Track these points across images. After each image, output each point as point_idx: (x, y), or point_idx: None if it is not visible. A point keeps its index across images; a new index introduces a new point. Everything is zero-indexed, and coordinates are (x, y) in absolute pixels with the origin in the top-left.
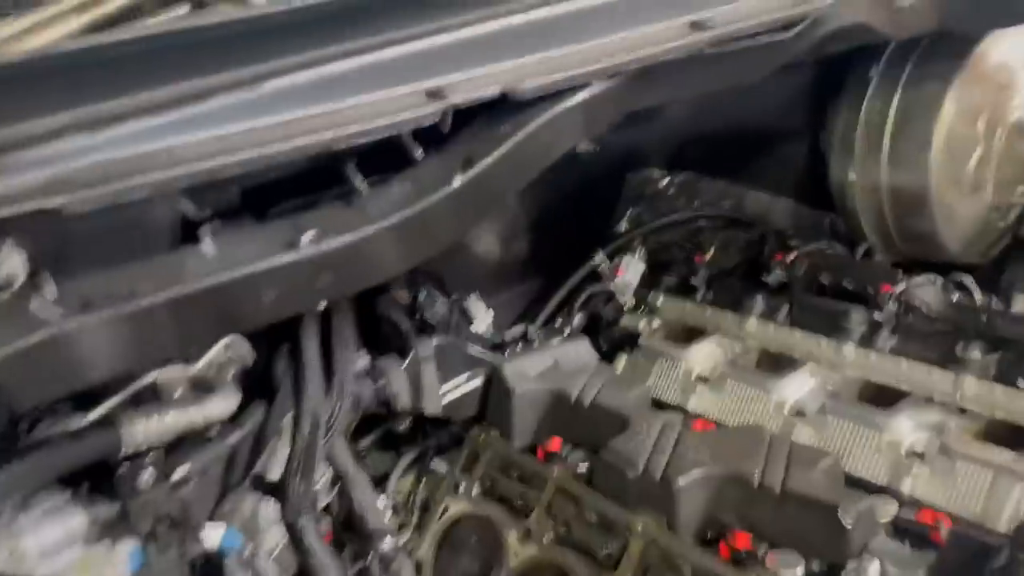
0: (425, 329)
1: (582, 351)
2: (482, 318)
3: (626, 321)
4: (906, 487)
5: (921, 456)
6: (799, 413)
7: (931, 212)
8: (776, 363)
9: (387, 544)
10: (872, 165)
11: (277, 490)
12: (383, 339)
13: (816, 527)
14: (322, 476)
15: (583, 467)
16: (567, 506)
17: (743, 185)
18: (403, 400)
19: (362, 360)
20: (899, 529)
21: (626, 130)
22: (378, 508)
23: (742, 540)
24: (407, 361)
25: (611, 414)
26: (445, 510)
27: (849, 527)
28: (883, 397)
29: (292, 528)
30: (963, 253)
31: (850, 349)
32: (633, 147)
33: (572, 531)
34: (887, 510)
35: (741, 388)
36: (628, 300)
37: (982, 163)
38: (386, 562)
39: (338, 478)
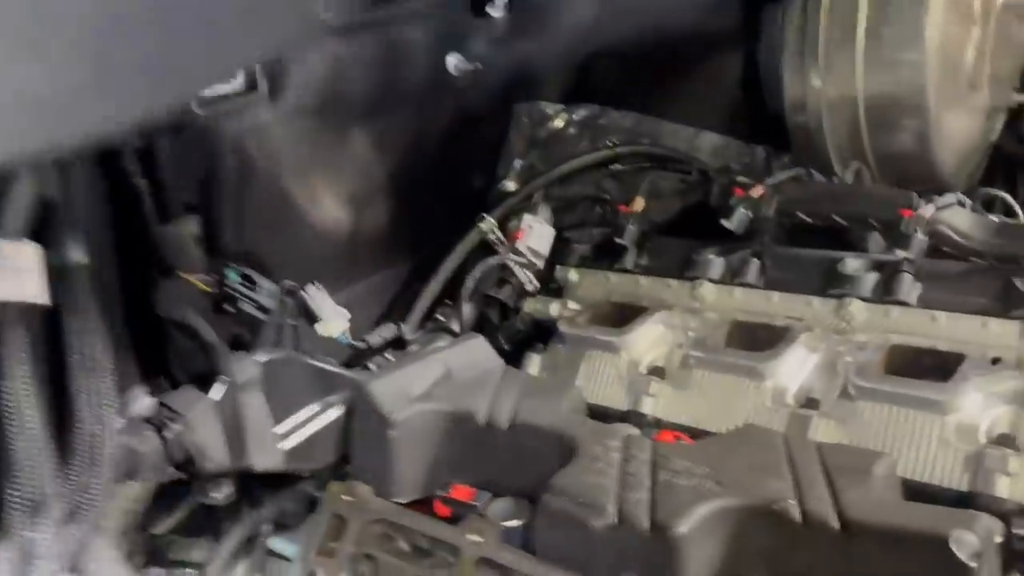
0: (243, 338)
1: (479, 353)
2: (331, 317)
3: (532, 306)
4: (1002, 489)
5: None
6: (809, 402)
7: (925, 122)
8: (754, 338)
9: None
10: (841, 71)
11: None
12: (172, 357)
13: (913, 571)
14: None
15: (512, 523)
16: None
17: (658, 118)
18: (215, 455)
19: (137, 398)
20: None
21: (511, 48)
22: None
23: None
24: (218, 391)
25: (544, 436)
26: None
27: (973, 565)
28: (918, 366)
29: None
30: (954, 175)
31: (860, 308)
32: (520, 72)
33: None
34: (996, 526)
35: (716, 377)
36: (530, 281)
37: (979, 56)
38: None
39: None
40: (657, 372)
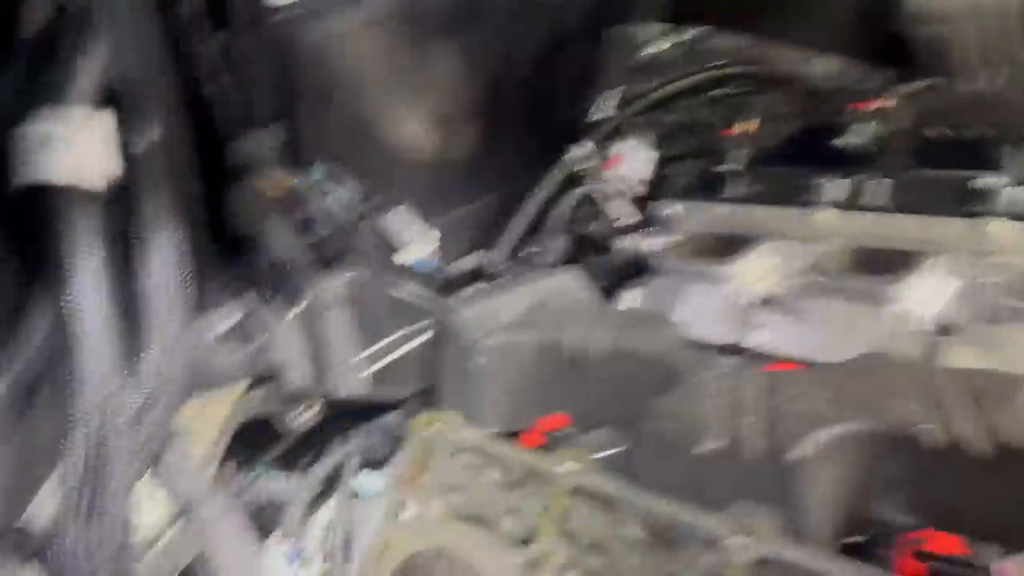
0: (325, 257)
1: (572, 285)
2: (418, 239)
3: (627, 242)
4: None
5: None
6: (945, 329)
7: None
8: (879, 264)
9: None
10: None
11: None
12: (251, 274)
13: None
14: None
15: (608, 453)
16: (592, 519)
17: (767, 40)
18: (296, 373)
19: (219, 309)
20: None
21: None
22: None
23: (941, 543)
24: (299, 308)
25: (643, 365)
26: (386, 549)
27: None
28: None
29: None
30: None
31: (1002, 228)
32: None
33: (612, 558)
34: None
35: (838, 306)
36: (624, 216)
37: None
38: None
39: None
40: (768, 303)
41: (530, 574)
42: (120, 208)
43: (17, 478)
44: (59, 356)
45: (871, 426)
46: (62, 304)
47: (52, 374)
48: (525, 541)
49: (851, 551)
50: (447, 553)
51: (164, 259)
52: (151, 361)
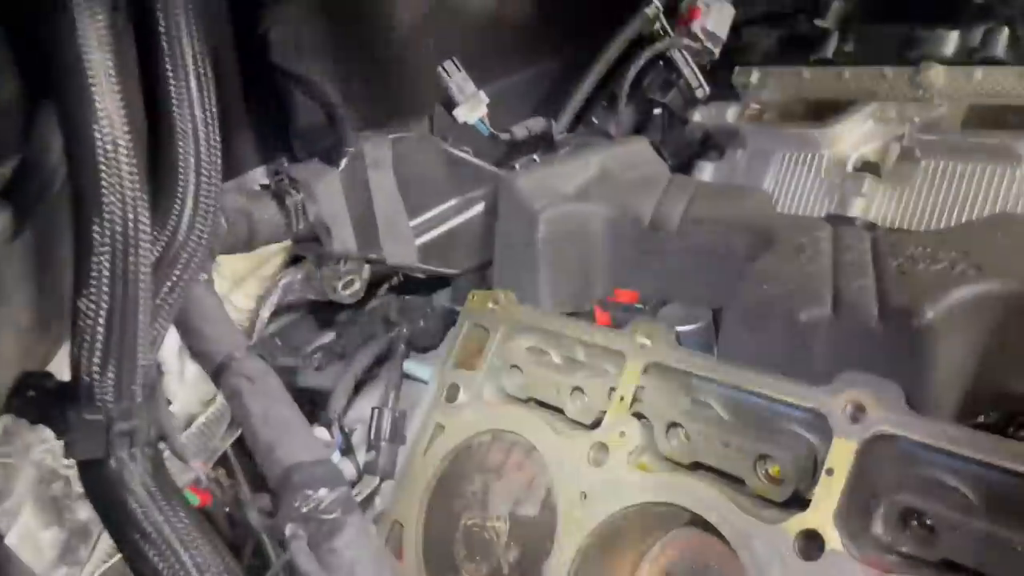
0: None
1: (641, 154)
2: (469, 99)
3: (704, 114)
4: None
5: None
6: None
7: None
8: (1001, 122)
9: (325, 499)
10: None
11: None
12: (294, 130)
13: None
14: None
15: (688, 327)
16: (668, 398)
17: None
18: (341, 234)
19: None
20: None
21: None
22: (312, 441)
23: None
24: (344, 164)
25: (728, 233)
26: (437, 433)
27: None
28: None
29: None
30: None
31: None
32: None
33: (689, 440)
34: None
35: (954, 167)
36: (700, 84)
37: None
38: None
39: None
40: (869, 169)
41: (600, 458)
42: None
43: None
44: (77, 174)
45: (1007, 288)
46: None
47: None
48: (593, 424)
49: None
50: (506, 437)
51: (193, 93)
52: (179, 210)
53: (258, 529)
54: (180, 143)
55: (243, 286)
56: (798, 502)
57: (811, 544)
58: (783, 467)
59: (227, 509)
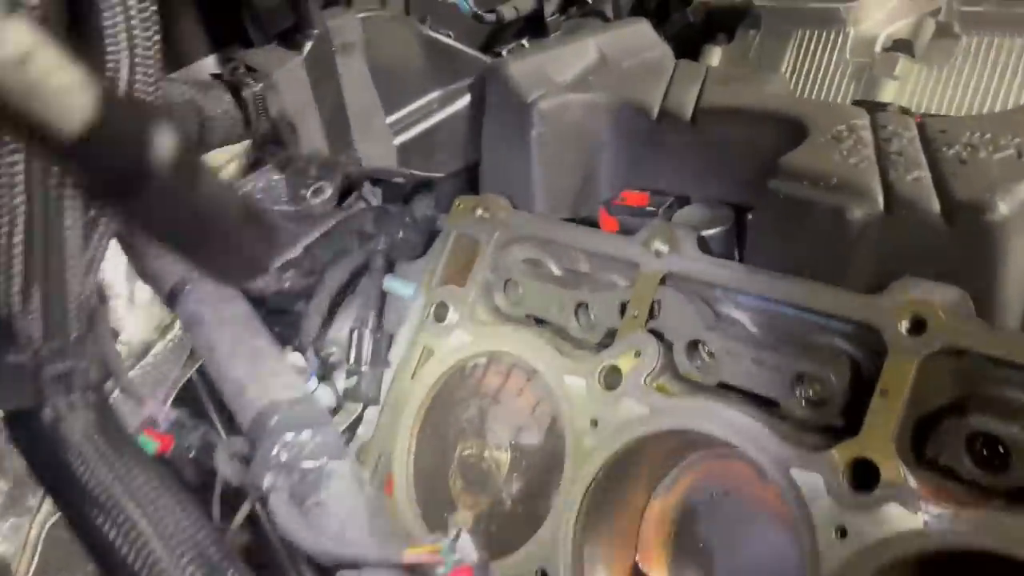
0: None
1: (643, 38)
2: None
3: None
4: None
5: None
6: None
7: None
8: None
9: (307, 444)
10: None
11: None
12: (247, 12)
13: None
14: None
15: (711, 231)
16: (695, 311)
17: None
18: (308, 130)
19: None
20: None
21: None
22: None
23: None
24: (307, 48)
25: (751, 121)
26: (426, 357)
27: None
28: None
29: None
30: None
31: None
32: None
33: (719, 363)
34: None
35: (1002, 42)
36: None
37: None
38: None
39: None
40: (901, 48)
41: (612, 381)
42: None
43: None
44: None
45: None
46: None
47: None
48: (600, 344)
49: None
50: (503, 359)
51: None
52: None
53: (231, 480)
54: (106, 13)
55: None
56: (843, 427)
57: (864, 474)
58: (826, 388)
59: (193, 455)
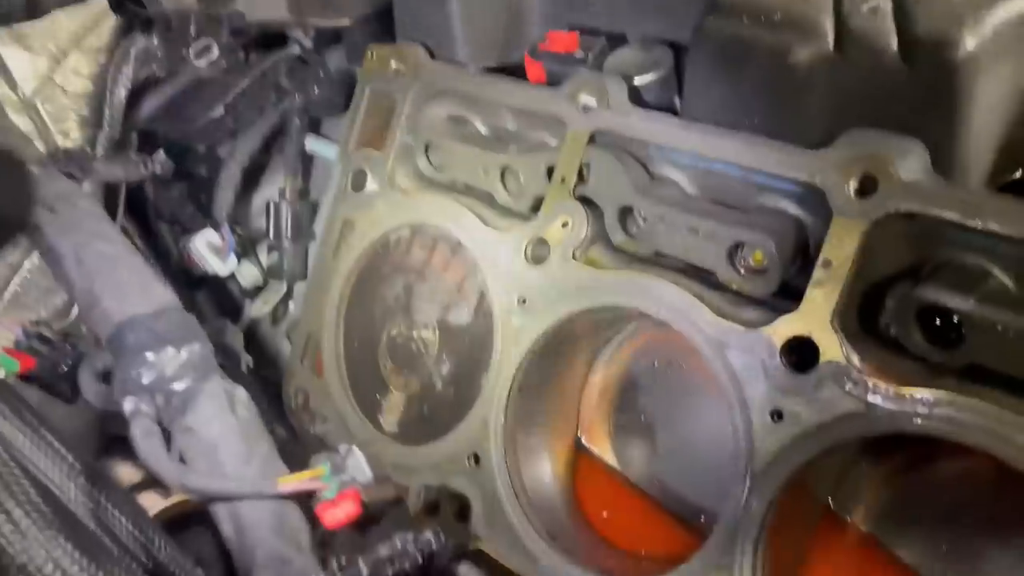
0: None
1: None
2: None
3: None
4: None
5: None
6: None
7: None
8: None
9: (171, 363)
10: None
11: None
12: None
13: None
14: None
15: (645, 77)
16: (628, 174)
17: None
18: None
19: None
20: None
21: None
22: (151, 283)
23: None
24: None
25: None
26: (347, 230)
27: None
28: None
29: None
30: None
31: None
32: None
33: (652, 231)
34: None
35: None
36: None
37: None
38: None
39: None
40: None
41: (540, 254)
42: None
43: None
44: None
45: None
46: None
47: None
48: (530, 211)
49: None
50: (427, 231)
51: None
52: None
53: (95, 403)
54: None
55: (67, 63)
56: (784, 301)
57: (802, 353)
58: (766, 256)
59: (63, 370)
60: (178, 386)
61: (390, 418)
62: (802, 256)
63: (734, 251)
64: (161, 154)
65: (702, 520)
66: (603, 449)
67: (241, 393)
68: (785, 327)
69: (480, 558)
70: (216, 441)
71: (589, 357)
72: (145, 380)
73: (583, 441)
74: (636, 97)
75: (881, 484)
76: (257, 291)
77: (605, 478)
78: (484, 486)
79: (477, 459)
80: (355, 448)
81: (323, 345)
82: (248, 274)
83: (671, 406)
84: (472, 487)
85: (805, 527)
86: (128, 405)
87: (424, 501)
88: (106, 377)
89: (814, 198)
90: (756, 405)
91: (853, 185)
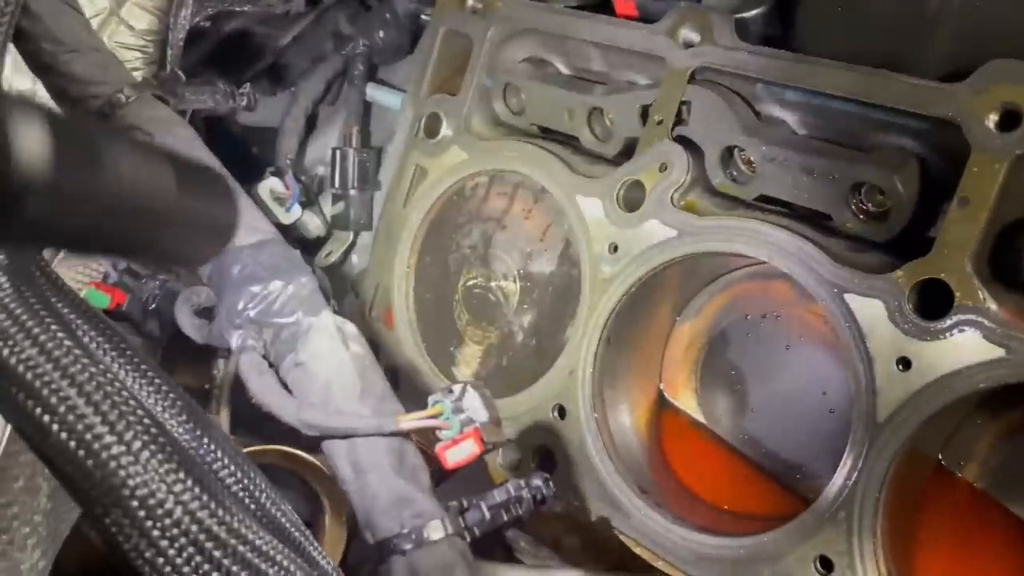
0: None
1: None
2: None
3: None
4: None
5: None
6: None
7: None
8: None
9: (279, 295)
10: None
11: None
12: None
13: None
14: None
15: (754, 12)
16: (732, 113)
17: None
18: None
19: None
20: None
21: None
22: (252, 213)
23: None
24: None
25: None
26: (419, 178)
27: None
28: None
29: None
30: None
31: None
32: None
33: (760, 173)
34: None
35: None
36: None
37: None
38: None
39: None
40: None
41: (634, 199)
42: None
43: None
44: None
45: None
46: None
47: None
48: (619, 156)
49: None
50: (507, 178)
51: None
52: None
53: (195, 338)
54: None
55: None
56: (909, 245)
57: (934, 297)
58: (890, 197)
59: (153, 307)
60: (288, 320)
61: (466, 371)
62: (925, 196)
63: (853, 192)
64: (248, 87)
65: (798, 478)
66: (688, 404)
67: (351, 328)
68: (916, 271)
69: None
70: (330, 376)
71: (674, 308)
72: (253, 313)
73: (666, 395)
74: (743, 31)
75: (998, 439)
76: (320, 242)
77: (692, 433)
78: (570, 439)
79: (562, 412)
80: (470, 387)
81: (393, 296)
82: (310, 224)
83: (766, 360)
84: (557, 440)
85: (917, 482)
86: (235, 340)
87: (505, 457)
88: (206, 313)
89: (943, 134)
90: (881, 354)
91: (994, 119)
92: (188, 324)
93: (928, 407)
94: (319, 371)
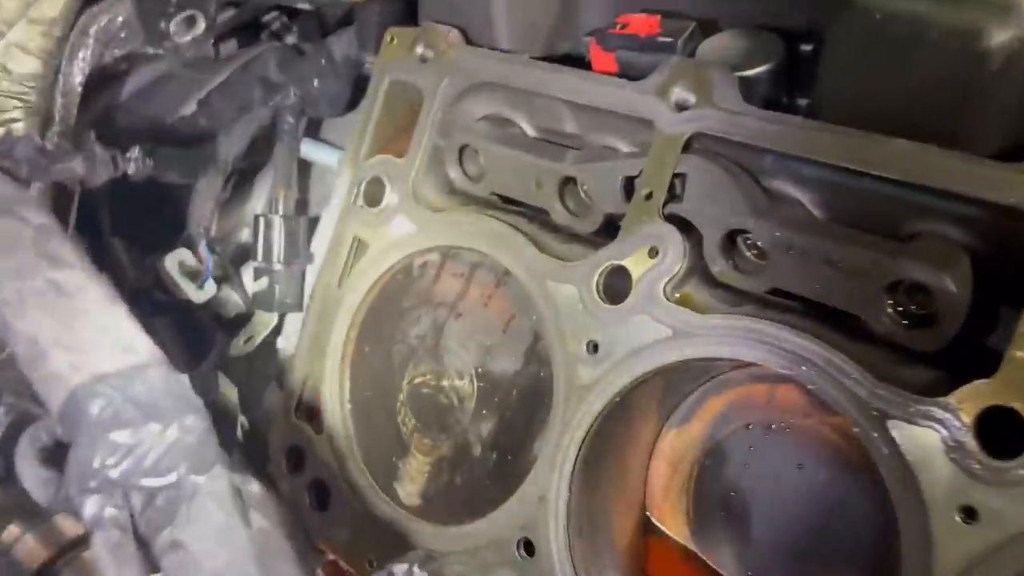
0: None
1: None
2: None
3: None
4: None
5: None
6: None
7: None
8: None
9: (152, 447)
10: None
11: None
12: None
13: None
14: None
15: (754, 71)
16: (736, 189)
17: None
18: None
19: None
20: None
21: None
22: (124, 327)
23: None
24: None
25: None
26: (359, 252)
27: None
28: None
29: None
30: None
31: None
32: None
33: (772, 264)
34: None
35: None
36: None
37: None
38: None
39: None
40: None
41: (618, 288)
42: None
43: None
44: None
45: None
46: None
47: None
48: (596, 235)
49: None
50: (463, 257)
51: None
52: None
53: (38, 499)
54: None
55: (11, 36)
56: (962, 359)
57: (1004, 431)
58: (938, 299)
59: None
60: (164, 481)
61: (410, 488)
62: (979, 299)
63: (889, 291)
64: (136, 150)
65: None
66: (678, 530)
67: (255, 489)
68: (979, 395)
69: None
70: (219, 567)
71: (660, 418)
72: (116, 473)
73: (653, 518)
74: (748, 92)
75: None
76: (241, 320)
77: (683, 568)
78: None
79: (530, 547)
80: (417, 569)
81: (324, 393)
82: (229, 303)
83: (772, 480)
84: None
85: None
86: (89, 508)
87: None
88: (55, 456)
89: (1001, 224)
90: (937, 499)
91: None
92: (31, 476)
93: (1007, 569)
94: (204, 559)
